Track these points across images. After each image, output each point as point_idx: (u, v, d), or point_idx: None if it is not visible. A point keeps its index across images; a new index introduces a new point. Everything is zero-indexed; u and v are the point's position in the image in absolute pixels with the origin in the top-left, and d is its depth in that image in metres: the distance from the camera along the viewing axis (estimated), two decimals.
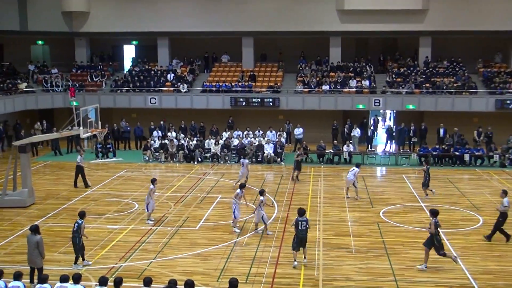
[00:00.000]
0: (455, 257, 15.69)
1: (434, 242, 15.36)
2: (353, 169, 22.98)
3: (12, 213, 20.79)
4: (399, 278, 14.86)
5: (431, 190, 23.19)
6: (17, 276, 11.86)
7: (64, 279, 11.80)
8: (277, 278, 14.80)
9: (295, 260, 15.59)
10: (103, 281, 11.63)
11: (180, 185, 25.30)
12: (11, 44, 39.22)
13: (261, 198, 18.15)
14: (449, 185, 25.49)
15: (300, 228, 15.55)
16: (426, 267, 15.37)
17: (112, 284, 11.64)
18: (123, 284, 11.69)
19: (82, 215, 15.93)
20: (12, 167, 22.18)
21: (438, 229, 15.46)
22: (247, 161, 25.68)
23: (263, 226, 18.47)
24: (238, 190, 18.87)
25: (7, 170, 22.13)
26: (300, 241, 15.60)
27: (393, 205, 22.02)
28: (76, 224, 15.55)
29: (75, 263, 15.54)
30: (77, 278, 11.79)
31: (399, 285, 14.46)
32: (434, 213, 15.60)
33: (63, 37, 39.64)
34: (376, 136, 36.14)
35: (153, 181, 19.89)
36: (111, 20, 38.45)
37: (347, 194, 23.16)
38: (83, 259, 15.72)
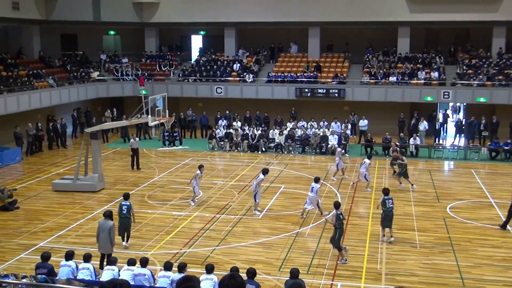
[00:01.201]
0: (345, 247, 15.57)
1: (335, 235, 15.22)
2: (364, 161, 22.90)
3: (83, 197, 21.59)
4: (465, 275, 14.45)
5: (412, 185, 22.93)
6: (87, 258, 12.30)
7: (131, 262, 12.16)
8: (339, 270, 14.71)
9: (384, 235, 16.74)
10: (168, 265, 11.91)
11: (244, 174, 25.50)
12: (84, 34, 40.56)
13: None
14: None
15: (387, 206, 16.57)
16: (346, 260, 15.24)
17: (176, 269, 11.90)
18: (187, 269, 11.91)
19: (127, 196, 16.41)
20: (84, 153, 22.99)
21: (342, 221, 15.38)
22: (339, 149, 25.32)
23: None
24: (261, 175, 19.40)
25: (79, 155, 22.96)
26: (386, 219, 16.58)
27: (460, 201, 21.39)
28: (125, 207, 15.96)
29: (127, 241, 16.20)
30: (144, 262, 12.12)
31: (465, 282, 14.05)
32: (336, 205, 15.56)
33: (133, 28, 40.65)
34: (446, 131, 34.91)
35: (200, 167, 20.56)
36: (179, 10, 39.05)
37: (352, 183, 23.35)
38: (127, 240, 16.23)
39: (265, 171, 19.88)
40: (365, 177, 22.76)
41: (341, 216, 15.31)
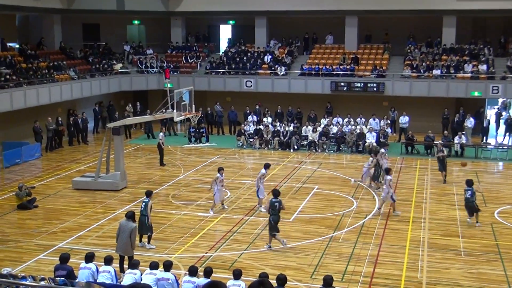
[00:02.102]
0: (284, 241, 16.42)
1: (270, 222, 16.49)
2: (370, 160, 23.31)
3: (104, 196, 21.86)
4: None
5: (380, 182, 22.86)
6: (108, 261, 12.42)
7: (154, 265, 12.25)
8: (376, 278, 14.59)
9: (476, 222, 18.47)
10: (193, 270, 11.95)
11: (275, 173, 25.44)
12: (107, 24, 41.00)
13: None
14: None
15: (465, 196, 18.55)
16: (271, 247, 16.48)
17: (202, 274, 11.95)
18: (213, 274, 11.95)
19: (149, 194, 16.79)
20: (105, 149, 23.25)
21: (278, 210, 16.49)
22: (383, 150, 24.65)
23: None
24: (263, 170, 20.02)
25: (100, 152, 23.23)
26: (469, 209, 18.54)
27: (510, 205, 21.00)
28: (143, 204, 16.37)
29: (148, 242, 16.42)
30: (167, 266, 12.19)
31: None
32: (275, 193, 16.85)
33: (159, 17, 40.95)
34: (497, 130, 34.08)
35: (219, 169, 19.95)
36: None
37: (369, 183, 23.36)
38: (148, 242, 16.44)
39: (266, 166, 20.25)
40: (361, 176, 23.32)
41: (276, 204, 16.45)
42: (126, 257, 14.37)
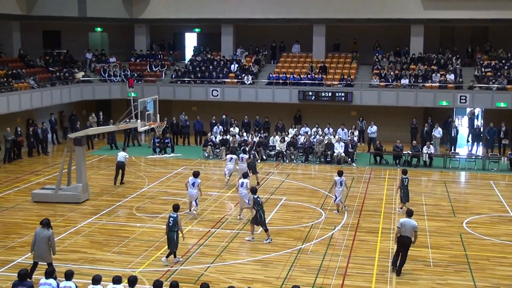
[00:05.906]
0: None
1: (257, 218, 17.94)
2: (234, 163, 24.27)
3: (65, 209, 21.57)
4: None
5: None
6: (69, 275, 12.27)
7: (116, 280, 12.11)
8: None
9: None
10: (157, 285, 11.87)
11: None
12: (69, 31, 40.61)
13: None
14: None
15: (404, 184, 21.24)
16: (253, 238, 18.12)
17: None
18: None
19: (176, 208, 16.42)
20: (67, 161, 22.99)
21: (261, 204, 18.16)
22: (242, 154, 25.47)
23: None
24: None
25: (61, 163, 22.94)
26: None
27: (478, 215, 21.40)
28: (172, 219, 16.02)
29: (167, 257, 16.19)
30: (132, 281, 12.05)
31: None
32: (253, 191, 18.56)
33: (122, 24, 40.72)
34: (468, 140, 34.61)
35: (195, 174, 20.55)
36: (172, 6, 39.13)
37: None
38: (175, 256, 16.27)
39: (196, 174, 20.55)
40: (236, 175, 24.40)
41: (258, 199, 18.12)
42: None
